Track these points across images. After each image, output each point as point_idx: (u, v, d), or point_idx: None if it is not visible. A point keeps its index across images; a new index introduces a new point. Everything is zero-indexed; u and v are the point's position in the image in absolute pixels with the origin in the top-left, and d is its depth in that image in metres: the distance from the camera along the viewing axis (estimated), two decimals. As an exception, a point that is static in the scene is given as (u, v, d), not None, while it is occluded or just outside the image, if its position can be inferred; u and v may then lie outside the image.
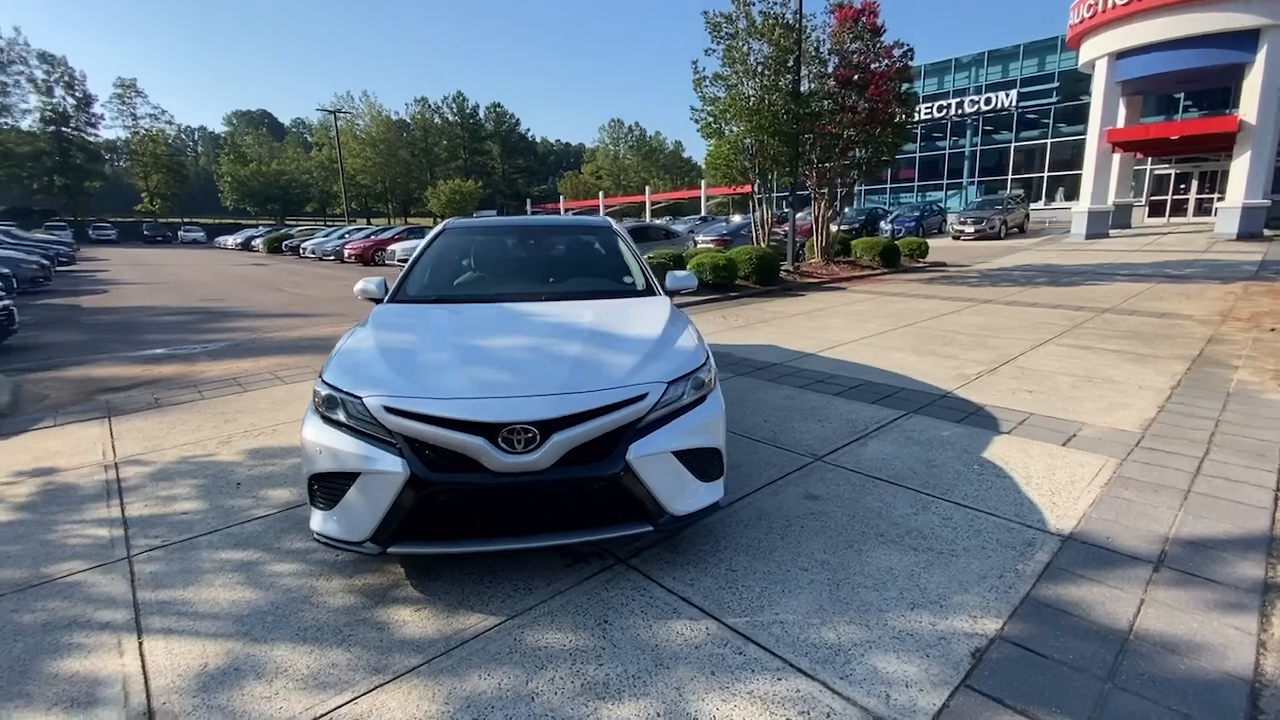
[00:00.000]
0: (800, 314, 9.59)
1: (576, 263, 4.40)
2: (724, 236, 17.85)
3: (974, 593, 2.49)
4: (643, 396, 2.59)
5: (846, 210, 20.82)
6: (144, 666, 2.19)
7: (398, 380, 2.61)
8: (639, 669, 2.12)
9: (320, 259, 26.90)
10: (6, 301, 8.08)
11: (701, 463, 2.72)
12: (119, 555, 2.96)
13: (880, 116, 13.42)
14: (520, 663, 2.16)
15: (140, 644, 2.32)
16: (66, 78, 49.45)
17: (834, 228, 15.86)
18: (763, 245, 14.13)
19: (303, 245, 28.75)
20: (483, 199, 64.28)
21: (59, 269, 20.16)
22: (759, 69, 12.98)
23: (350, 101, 65.14)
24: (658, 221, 28.79)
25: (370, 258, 23.06)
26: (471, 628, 2.36)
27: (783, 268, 14.42)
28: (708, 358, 2.99)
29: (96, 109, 51.73)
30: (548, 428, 2.42)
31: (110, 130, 55.11)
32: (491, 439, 2.39)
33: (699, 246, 15.95)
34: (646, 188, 54.94)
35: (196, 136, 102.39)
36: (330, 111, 46.82)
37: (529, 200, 69.43)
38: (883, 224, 27.12)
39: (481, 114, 77.98)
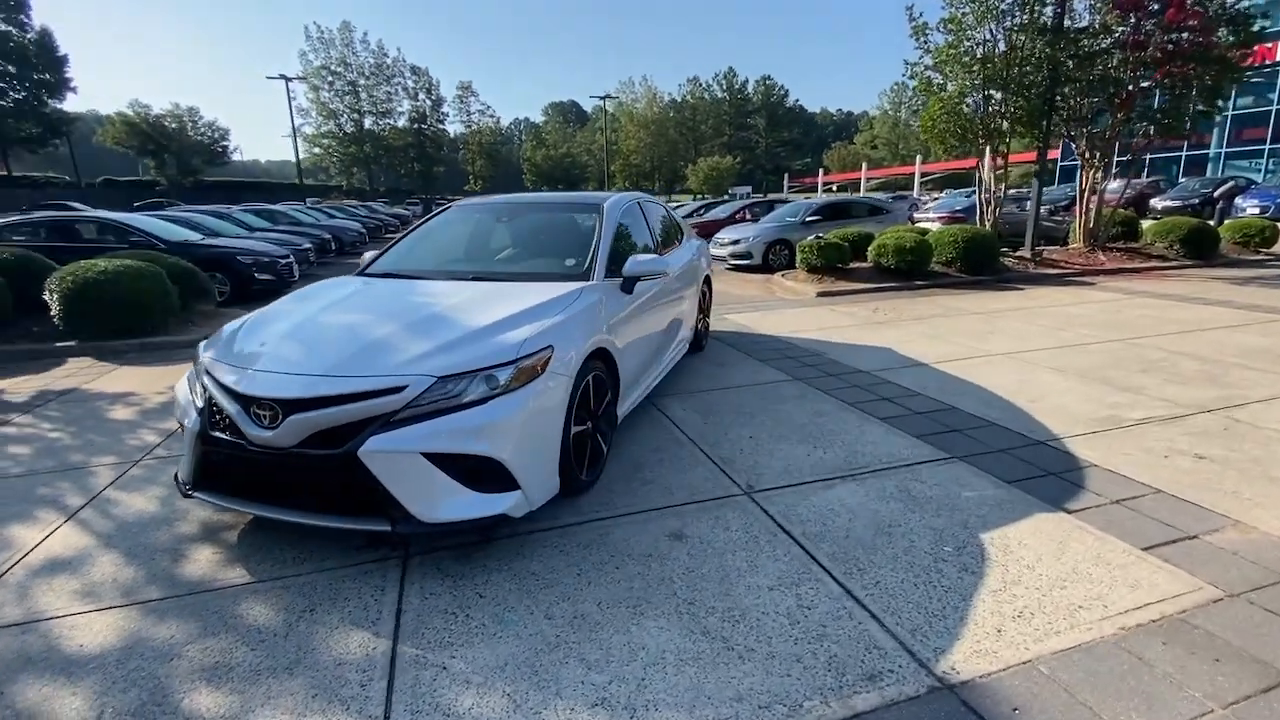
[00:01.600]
0: (980, 314, 7.68)
1: (543, 243, 4.18)
2: (956, 213, 15.07)
3: None
4: (400, 389, 2.40)
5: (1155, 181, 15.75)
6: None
7: (229, 345, 2.84)
8: (286, 661, 2.02)
9: None
10: (289, 259, 10.79)
11: (471, 469, 2.42)
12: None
13: (1186, 49, 9.72)
14: (207, 624, 2.23)
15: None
16: (426, 85, 63.12)
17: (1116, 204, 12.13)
18: (986, 226, 11.56)
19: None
20: (739, 175, 64.48)
21: (389, 234, 26.15)
22: (999, 5, 10.42)
23: (631, 87, 70.74)
24: (864, 195, 25.56)
25: None
26: (223, 580, 2.50)
27: (1016, 254, 11.65)
28: (522, 355, 2.62)
29: (444, 109, 65.18)
30: (289, 407, 2.40)
31: (451, 125, 68.85)
32: (245, 410, 2.47)
33: (914, 225, 13.75)
34: (919, 157, 48.90)
35: (522, 126, 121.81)
36: (600, 98, 51.34)
37: (787, 175, 67.39)
38: (1239, 200, 20.01)
39: (750, 88, 77.61)
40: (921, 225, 14.68)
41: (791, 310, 8.33)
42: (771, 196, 29.93)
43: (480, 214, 4.57)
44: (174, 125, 50.73)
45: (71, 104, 41.75)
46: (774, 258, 12.78)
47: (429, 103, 63.34)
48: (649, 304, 4.05)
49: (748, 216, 16.59)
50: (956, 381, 4.89)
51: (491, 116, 70.21)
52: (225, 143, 56.53)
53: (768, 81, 78.93)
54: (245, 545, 2.76)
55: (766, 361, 5.61)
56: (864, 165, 54.87)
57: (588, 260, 3.64)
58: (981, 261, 10.51)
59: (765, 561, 2.55)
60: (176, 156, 51.33)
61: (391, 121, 62.63)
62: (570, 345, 2.87)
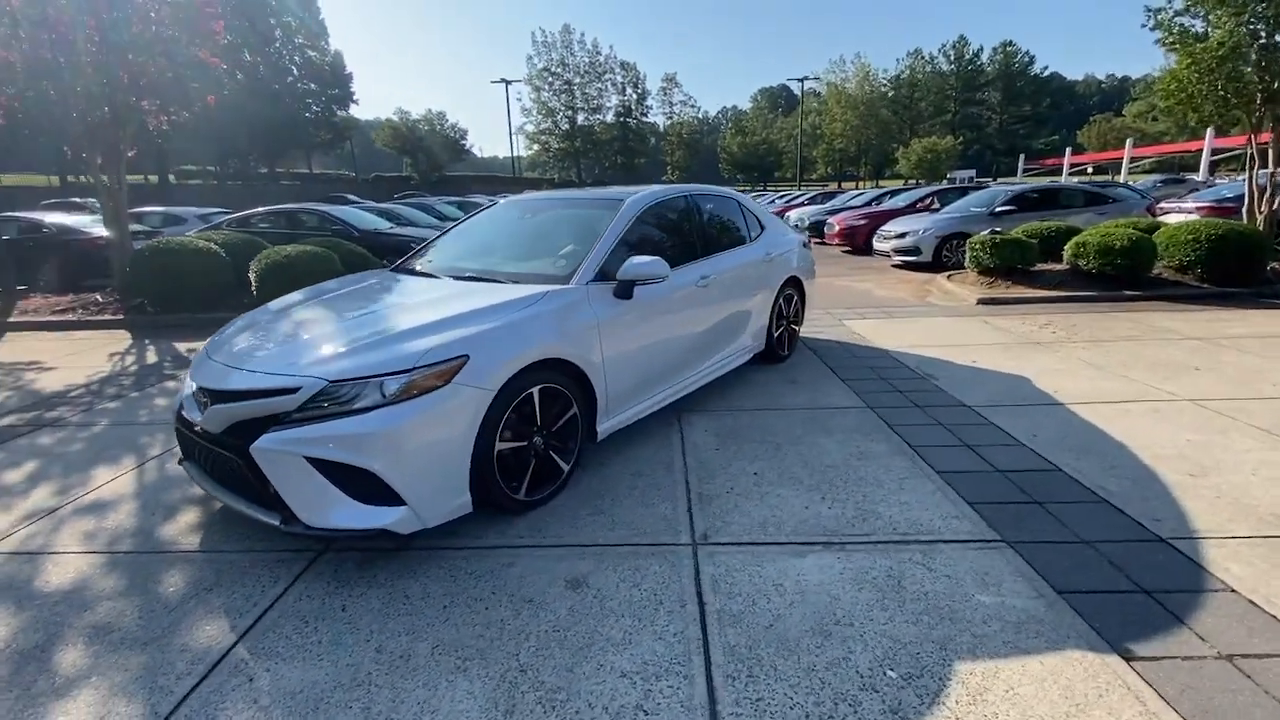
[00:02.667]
0: (1195, 340, 5.76)
1: (552, 242, 3.90)
2: (1225, 202, 11.58)
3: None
4: (294, 390, 2.41)
5: None
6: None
7: (221, 333, 3.12)
8: (150, 635, 2.15)
9: None
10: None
11: (353, 478, 2.36)
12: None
13: None
14: (132, 583, 2.47)
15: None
16: (634, 79, 65.95)
17: None
18: (1255, 221, 8.66)
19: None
20: (962, 158, 57.23)
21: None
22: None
23: (842, 66, 66.32)
24: (1081, 181, 20.57)
25: (864, 241, 13.51)
26: (180, 545, 2.76)
27: (1301, 259, 8.58)
28: (421, 365, 2.47)
29: (648, 102, 67.58)
30: (212, 396, 2.54)
31: (654, 117, 71.11)
32: (193, 394, 2.68)
33: (1155, 217, 10.83)
34: (1209, 130, 38.64)
35: (730, 115, 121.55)
36: (799, 80, 48.80)
37: (1023, 156, 57.96)
38: None
39: (983, 57, 68.05)
40: (1170, 218, 11.60)
41: (931, 320, 7.06)
42: (1002, 182, 25.65)
43: (514, 210, 4.50)
44: (425, 128, 59.65)
45: (353, 112, 51.18)
46: (949, 255, 11.02)
47: (635, 96, 66.15)
48: (661, 310, 3.64)
49: (934, 205, 14.53)
50: (1088, 433, 3.67)
51: (693, 107, 71.20)
52: (464, 141, 65.03)
53: (1008, 48, 68.44)
54: (224, 515, 3.04)
55: (849, 381, 4.79)
56: (1129, 143, 44.86)
57: (576, 264, 3.35)
58: (1235, 268, 7.91)
59: (645, 638, 2.10)
60: (426, 154, 60.38)
61: (601, 117, 66.65)
62: (495, 355, 2.65)
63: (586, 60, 64.80)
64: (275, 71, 43.99)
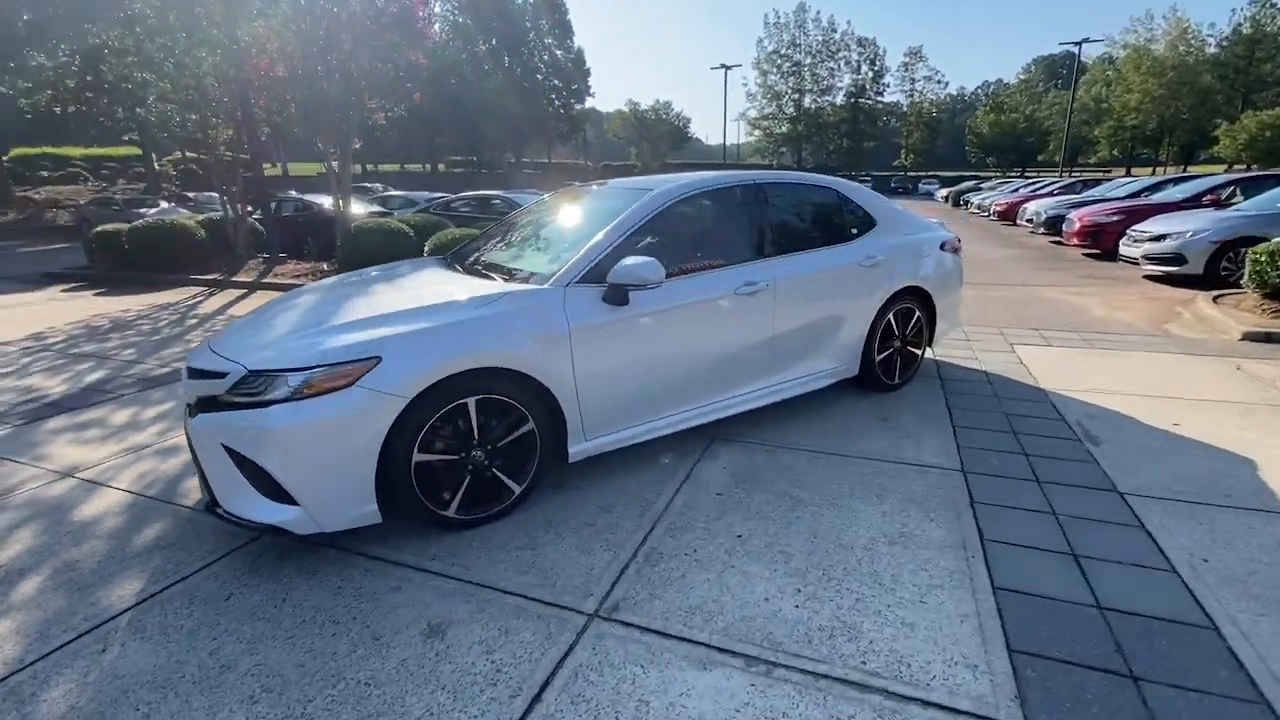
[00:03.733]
0: None
1: (568, 236, 3.43)
2: None
3: None
4: (223, 374, 2.46)
5: None
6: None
7: None
8: (81, 583, 2.39)
9: (1002, 220, 20.03)
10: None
11: (256, 471, 2.34)
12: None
13: None
14: (128, 529, 2.78)
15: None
16: (871, 56, 60.79)
17: None
18: None
19: (968, 198, 27.21)
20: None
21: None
22: None
23: (1148, 23, 53.30)
24: None
25: (1114, 243, 10.33)
26: (183, 499, 3.06)
27: None
28: (323, 364, 2.34)
29: (886, 79, 61.85)
30: (188, 372, 2.71)
31: (892, 95, 64.93)
32: None
33: None
34: None
35: (991, 89, 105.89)
36: (1074, 45, 40.12)
37: None
38: None
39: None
40: None
41: (1151, 356, 5.19)
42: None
43: (563, 198, 4.16)
44: (652, 117, 62.18)
45: (589, 104, 55.36)
46: (1230, 268, 8.13)
47: (870, 74, 61.10)
48: (676, 320, 3.08)
49: (1232, 198, 10.86)
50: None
51: (939, 83, 63.47)
52: (687, 129, 66.47)
53: None
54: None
55: (963, 430, 3.66)
56: None
57: (558, 265, 2.95)
58: None
59: (456, 713, 1.73)
60: (651, 143, 63.04)
61: (830, 98, 62.96)
62: (413, 359, 2.42)
63: (819, 39, 61.46)
64: (527, 70, 49.35)
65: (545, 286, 2.83)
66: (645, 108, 62.73)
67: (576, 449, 2.92)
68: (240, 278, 10.69)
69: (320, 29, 9.50)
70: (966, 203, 29.10)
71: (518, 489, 2.77)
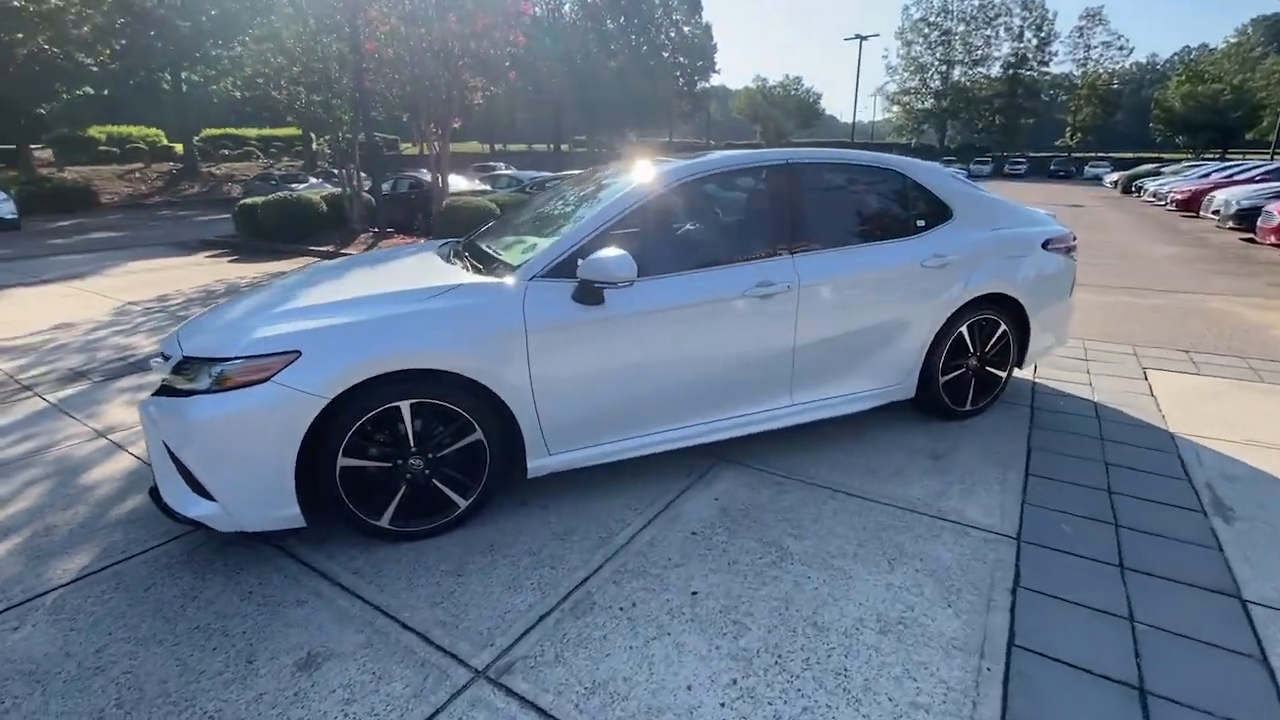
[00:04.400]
0: None
1: (563, 223, 3.05)
2: None
3: None
4: (169, 357, 2.39)
5: None
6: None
7: None
8: (56, 544, 2.47)
9: (1182, 211, 17.11)
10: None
11: (180, 463, 2.25)
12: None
13: None
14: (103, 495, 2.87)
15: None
16: (1037, 21, 53.71)
17: None
18: None
19: (1142, 184, 23.26)
20: None
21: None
22: None
23: None
24: None
25: None
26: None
27: None
28: (239, 355, 2.21)
29: (1054, 47, 54.50)
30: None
31: (1060, 65, 57.22)
32: None
33: None
34: None
35: (1189, 55, 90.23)
36: None
37: None
38: None
39: None
40: None
41: (1354, 397, 3.91)
42: None
43: (584, 179, 3.75)
44: (780, 93, 59.51)
45: (713, 82, 54.02)
46: None
47: (1035, 41, 54.16)
48: (664, 323, 2.63)
49: None
50: None
51: (1122, 49, 54.93)
52: (818, 106, 63.00)
53: None
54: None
55: (1037, 479, 2.90)
56: None
57: (530, 255, 2.60)
58: None
59: (250, 793, 1.49)
60: (776, 121, 60.46)
61: (983, 70, 56.77)
62: (335, 356, 2.20)
63: (976, 3, 55.29)
64: (653, 48, 48.97)
65: (505, 280, 2.51)
66: (773, 84, 60.14)
67: (537, 464, 2.60)
68: (349, 250, 11.41)
69: (425, 8, 9.77)
70: (1139, 189, 25.01)
71: (463, 503, 2.51)
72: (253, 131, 35.03)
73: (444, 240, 3.86)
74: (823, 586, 2.18)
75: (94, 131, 29.52)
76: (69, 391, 4.25)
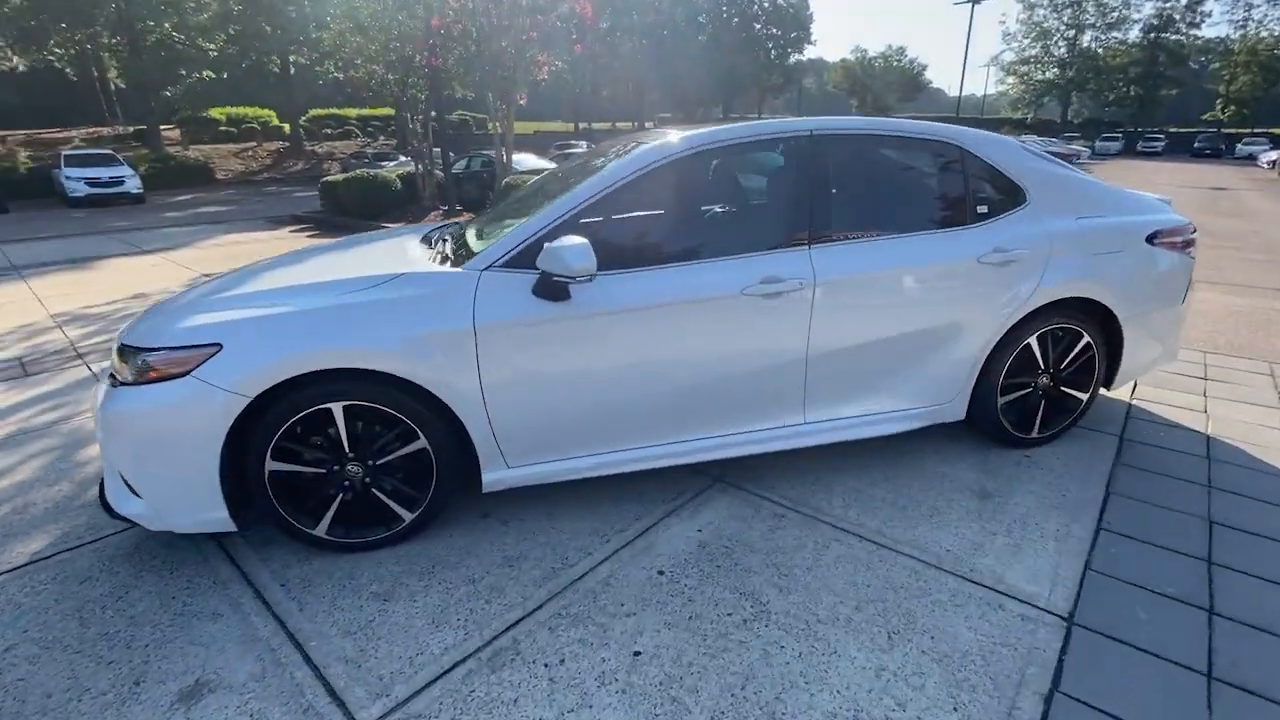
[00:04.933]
0: None
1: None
2: None
3: None
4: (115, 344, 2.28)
5: None
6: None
7: None
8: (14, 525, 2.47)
9: None
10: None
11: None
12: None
13: None
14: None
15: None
16: (1191, -24, 47.03)
17: None
18: None
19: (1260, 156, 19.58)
20: None
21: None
22: None
23: None
24: None
25: None
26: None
27: None
28: (158, 346, 2.05)
29: (1207, 6, 47.64)
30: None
31: (1213, 28, 49.97)
32: None
33: None
34: None
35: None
36: None
37: None
38: None
39: None
40: None
41: None
42: None
43: (586, 156, 3.34)
44: (880, 65, 55.80)
45: (808, 54, 51.37)
46: None
47: (1183, 1, 47.57)
48: (635, 324, 2.25)
49: None
50: None
51: (1297, 4, 47.21)
52: (921, 79, 58.62)
53: None
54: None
55: (1105, 538, 2.31)
56: None
57: (489, 243, 2.27)
58: None
59: None
60: (875, 94, 56.81)
61: (1118, 34, 50.66)
62: (257, 351, 1.99)
63: (1115, -41, 49.17)
64: (744, 20, 47.11)
65: (455, 271, 2.21)
66: (874, 55, 56.47)
67: (493, 478, 2.31)
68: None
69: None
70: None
71: (408, 516, 2.27)
72: (353, 111, 36.81)
73: (446, 222, 3.62)
74: (796, 662, 1.77)
75: (215, 113, 32.04)
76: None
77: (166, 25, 22.64)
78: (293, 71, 29.20)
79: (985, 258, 2.60)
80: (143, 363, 2.02)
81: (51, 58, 24.20)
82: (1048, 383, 2.90)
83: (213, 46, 25.49)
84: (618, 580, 2.11)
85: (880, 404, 2.67)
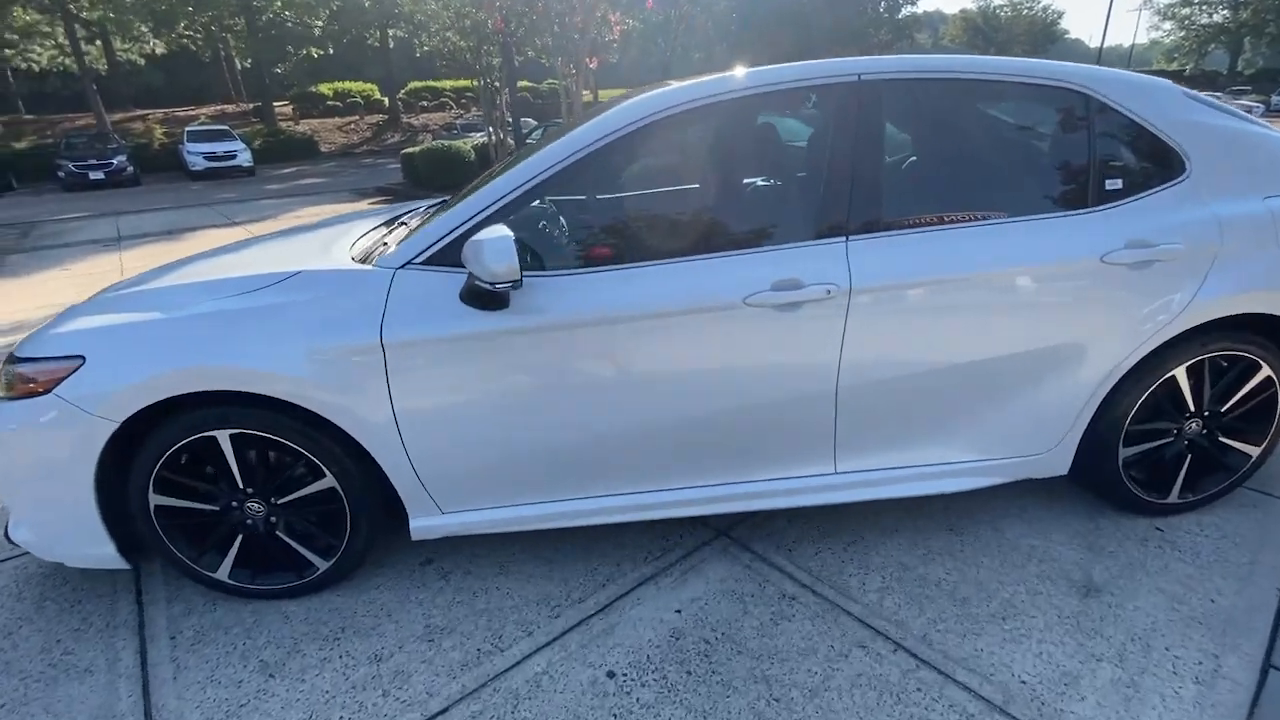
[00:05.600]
0: None
1: None
2: None
3: None
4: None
5: None
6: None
7: None
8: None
9: None
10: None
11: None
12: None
13: None
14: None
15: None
16: None
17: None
18: None
19: None
20: None
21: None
22: None
23: None
24: None
25: None
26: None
27: None
28: (22, 358, 1.70)
29: None
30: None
31: None
32: None
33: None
34: None
35: None
36: None
37: None
38: None
39: None
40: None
41: None
42: None
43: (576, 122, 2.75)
44: (1008, 13, 49.96)
45: (921, 6, 46.80)
46: None
47: None
48: (599, 341, 1.70)
49: None
50: None
51: None
52: (1056, 28, 52.00)
53: None
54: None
55: (1299, 678, 1.54)
56: None
57: (446, 232, 1.75)
58: None
59: None
60: (999, 48, 51.03)
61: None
62: (123, 367, 1.63)
63: None
64: (849, -30, 43.44)
65: (365, 268, 1.74)
66: (1000, 2, 50.57)
67: (423, 525, 1.87)
68: (486, 199, 11.51)
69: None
70: None
71: (322, 565, 1.88)
72: (448, 84, 37.62)
73: (435, 201, 3.18)
74: None
75: (323, 88, 33.72)
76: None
77: (278, 3, 23.78)
78: (391, 45, 30.07)
79: (1113, 255, 1.81)
80: (11, 374, 1.72)
81: (185, 39, 26.21)
82: (1199, 429, 2.07)
83: (318, 23, 26.61)
84: (552, 680, 1.62)
85: (944, 452, 1.97)
